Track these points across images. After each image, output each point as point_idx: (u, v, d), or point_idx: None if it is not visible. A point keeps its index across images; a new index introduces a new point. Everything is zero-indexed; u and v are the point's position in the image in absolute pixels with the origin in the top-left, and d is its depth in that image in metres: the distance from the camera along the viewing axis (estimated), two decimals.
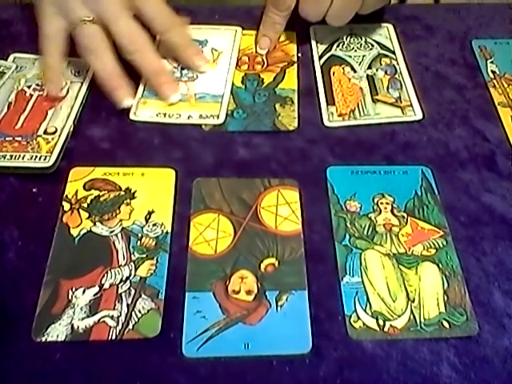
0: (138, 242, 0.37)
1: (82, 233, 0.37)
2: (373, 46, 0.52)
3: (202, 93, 0.47)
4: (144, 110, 0.45)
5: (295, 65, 0.50)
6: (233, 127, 0.45)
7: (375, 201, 0.40)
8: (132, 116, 0.45)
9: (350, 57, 0.51)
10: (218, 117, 0.45)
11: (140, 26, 0.44)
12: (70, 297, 0.34)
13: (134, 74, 0.45)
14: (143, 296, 0.35)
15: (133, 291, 0.35)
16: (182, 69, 0.49)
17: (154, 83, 0.45)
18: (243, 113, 0.46)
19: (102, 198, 0.39)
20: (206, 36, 0.52)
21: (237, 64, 0.50)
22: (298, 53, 0.51)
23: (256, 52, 0.51)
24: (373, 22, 0.54)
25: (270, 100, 0.47)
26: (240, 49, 0.51)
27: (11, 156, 0.41)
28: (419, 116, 0.46)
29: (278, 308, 0.35)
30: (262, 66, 0.50)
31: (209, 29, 0.53)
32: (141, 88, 0.47)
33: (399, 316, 0.34)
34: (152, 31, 0.45)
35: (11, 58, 0.49)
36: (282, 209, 0.39)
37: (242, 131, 0.44)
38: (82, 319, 0.33)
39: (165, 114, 0.45)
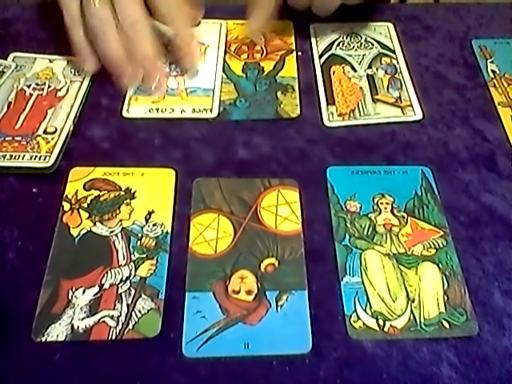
0: (138, 242, 0.37)
1: (81, 233, 0.37)
2: (373, 45, 0.52)
3: (192, 87, 0.47)
4: (136, 106, 0.45)
5: (294, 53, 0.51)
6: (236, 116, 0.45)
7: (375, 201, 0.40)
8: (125, 113, 0.45)
9: (350, 56, 0.51)
10: (211, 110, 0.45)
11: (145, 14, 0.44)
12: (70, 297, 0.34)
13: None
14: (143, 296, 0.35)
15: (133, 291, 0.35)
16: (171, 63, 0.49)
17: (144, 69, 0.45)
18: (245, 102, 0.46)
19: (101, 198, 0.39)
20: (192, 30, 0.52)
21: (236, 53, 0.51)
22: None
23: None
24: (373, 21, 0.55)
25: (272, 88, 0.47)
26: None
27: (11, 156, 0.41)
28: (419, 116, 0.46)
29: (278, 308, 0.35)
30: (262, 55, 0.51)
31: None
32: None
33: (399, 316, 0.34)
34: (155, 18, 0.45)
35: (11, 57, 0.49)
36: (281, 209, 0.39)
37: (246, 120, 0.45)
38: (82, 319, 0.33)
39: (157, 110, 0.45)
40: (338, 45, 0.52)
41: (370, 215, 0.39)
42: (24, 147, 0.41)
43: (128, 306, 0.34)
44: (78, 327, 0.33)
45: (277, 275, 0.36)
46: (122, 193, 0.40)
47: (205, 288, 0.35)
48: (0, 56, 0.49)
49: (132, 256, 0.36)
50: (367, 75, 0.49)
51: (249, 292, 0.35)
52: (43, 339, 0.33)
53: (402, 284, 0.36)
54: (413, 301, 0.35)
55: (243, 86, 0.48)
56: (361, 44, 0.52)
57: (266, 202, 0.40)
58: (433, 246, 0.38)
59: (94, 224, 0.38)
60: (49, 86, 0.46)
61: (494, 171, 0.43)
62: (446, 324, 0.34)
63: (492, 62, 0.51)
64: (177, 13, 0.45)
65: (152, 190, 0.40)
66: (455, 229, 0.39)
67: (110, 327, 0.33)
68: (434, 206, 0.40)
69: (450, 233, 0.39)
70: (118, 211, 0.39)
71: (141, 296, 0.35)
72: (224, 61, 0.50)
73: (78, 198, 0.39)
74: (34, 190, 0.40)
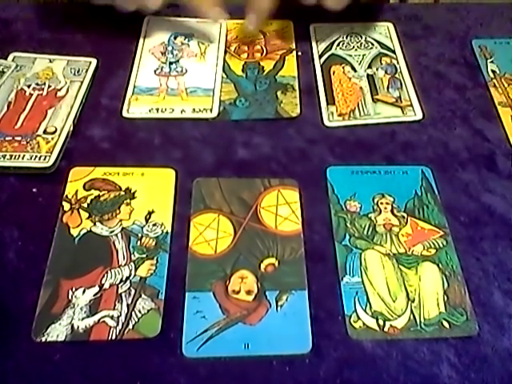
0: (138, 242, 0.37)
1: (81, 233, 0.37)
2: (373, 45, 0.52)
3: (193, 87, 0.47)
4: (136, 106, 0.45)
5: (294, 52, 0.51)
6: (236, 116, 0.45)
7: (375, 201, 0.40)
8: (125, 113, 0.45)
9: (351, 56, 0.51)
10: (211, 110, 0.45)
11: None
12: (70, 297, 0.34)
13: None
14: (143, 296, 0.35)
15: (133, 291, 0.35)
16: (171, 63, 0.49)
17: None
18: (245, 101, 0.46)
19: (102, 198, 0.39)
20: (192, 29, 0.52)
21: (235, 52, 0.51)
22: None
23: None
24: (373, 20, 0.54)
25: (272, 88, 0.47)
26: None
27: (11, 156, 0.41)
28: (419, 116, 0.46)
29: (278, 308, 0.35)
30: (262, 54, 0.51)
31: (194, 22, 0.53)
32: (131, 85, 0.47)
33: (399, 316, 0.34)
34: None
35: (11, 57, 0.49)
36: (281, 209, 0.39)
37: (246, 119, 0.45)
38: (82, 319, 0.33)
39: (157, 109, 0.45)
40: (338, 45, 0.52)
41: (370, 215, 0.39)
42: (24, 147, 0.41)
43: (128, 306, 0.34)
44: (78, 327, 0.33)
45: (277, 275, 0.36)
46: (122, 193, 0.40)
47: (205, 288, 0.35)
48: (0, 56, 0.49)
49: (132, 256, 0.36)
50: (367, 75, 0.49)
51: (249, 292, 0.35)
52: (43, 339, 0.33)
53: (402, 284, 0.36)
54: (413, 301, 0.35)
55: (243, 85, 0.48)
56: (361, 44, 0.52)
57: (266, 202, 0.40)
58: (433, 246, 0.38)
59: (94, 224, 0.38)
60: (49, 86, 0.46)
61: (493, 171, 0.43)
62: (446, 324, 0.34)
63: (492, 62, 0.51)
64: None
65: (152, 189, 0.40)
66: (455, 229, 0.39)
67: (110, 327, 0.33)
68: (434, 206, 0.40)
69: (450, 233, 0.39)
70: (118, 211, 0.39)
71: (141, 296, 0.35)
72: (224, 60, 0.50)
73: (78, 197, 0.39)
74: (34, 189, 0.40)
